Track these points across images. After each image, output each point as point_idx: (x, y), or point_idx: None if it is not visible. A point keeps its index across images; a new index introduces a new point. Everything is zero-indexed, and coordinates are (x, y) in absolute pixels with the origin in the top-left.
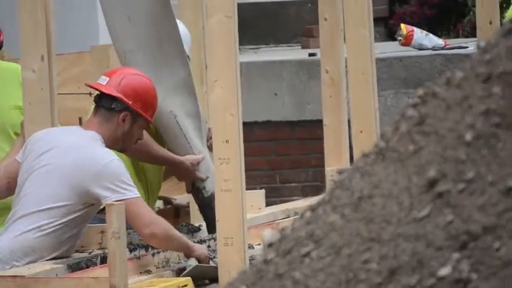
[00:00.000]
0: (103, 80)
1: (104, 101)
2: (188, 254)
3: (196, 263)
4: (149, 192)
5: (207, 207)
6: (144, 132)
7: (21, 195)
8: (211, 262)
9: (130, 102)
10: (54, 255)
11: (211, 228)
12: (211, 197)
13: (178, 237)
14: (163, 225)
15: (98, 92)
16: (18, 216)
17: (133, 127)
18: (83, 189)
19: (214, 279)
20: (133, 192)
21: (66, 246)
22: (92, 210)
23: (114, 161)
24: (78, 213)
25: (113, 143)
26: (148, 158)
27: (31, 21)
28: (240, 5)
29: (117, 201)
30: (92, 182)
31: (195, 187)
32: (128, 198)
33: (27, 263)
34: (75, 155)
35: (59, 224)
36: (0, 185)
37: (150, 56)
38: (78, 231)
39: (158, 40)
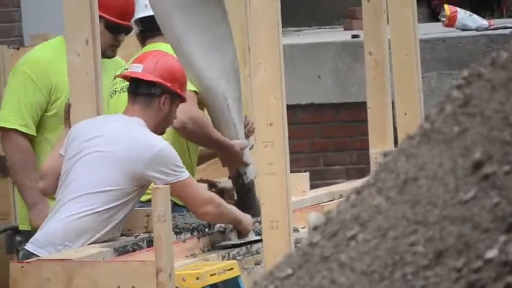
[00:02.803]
0: (137, 68)
1: (141, 88)
2: (235, 225)
3: (236, 240)
4: (193, 173)
5: (245, 193)
6: (203, 114)
7: (69, 180)
8: (250, 235)
9: (169, 85)
10: (105, 237)
11: (252, 213)
12: (250, 184)
13: (229, 212)
14: (216, 203)
15: (129, 81)
16: (69, 198)
17: (172, 108)
18: (136, 174)
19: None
20: (186, 173)
21: (117, 229)
22: (142, 192)
23: (166, 146)
24: (130, 196)
25: (156, 128)
26: (207, 141)
27: (76, 5)
28: None
29: (172, 183)
30: (146, 168)
31: (237, 172)
32: (181, 180)
33: (80, 245)
34: (126, 141)
35: (113, 207)
36: (50, 183)
37: (202, 40)
38: (128, 214)
39: (208, 23)
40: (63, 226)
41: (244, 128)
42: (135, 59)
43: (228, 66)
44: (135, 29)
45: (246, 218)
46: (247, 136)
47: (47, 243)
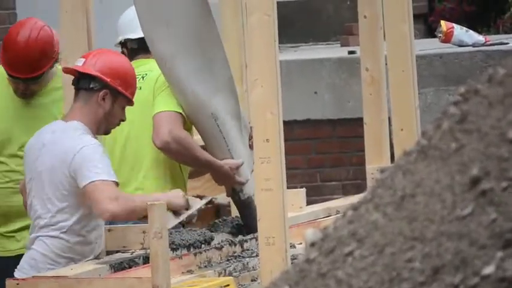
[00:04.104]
0: (79, 62)
1: (82, 82)
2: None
3: (174, 220)
4: (186, 188)
5: (244, 209)
6: (189, 134)
7: (33, 204)
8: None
9: (108, 80)
10: (88, 250)
11: (249, 230)
12: (249, 200)
13: (140, 204)
14: (123, 205)
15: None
16: (39, 224)
17: (114, 106)
18: (69, 181)
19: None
20: (100, 175)
21: (94, 238)
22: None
23: (86, 148)
24: (83, 209)
25: (96, 126)
26: (192, 161)
27: (72, 22)
28: (279, 3)
29: (84, 185)
30: (69, 171)
31: (233, 189)
32: (90, 182)
33: (63, 265)
34: (54, 152)
35: (76, 220)
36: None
37: (191, 60)
38: (94, 218)
39: (198, 42)
40: (41, 249)
41: (250, 140)
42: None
43: (221, 84)
44: (129, 45)
45: (175, 196)
46: (252, 148)
47: (31, 268)
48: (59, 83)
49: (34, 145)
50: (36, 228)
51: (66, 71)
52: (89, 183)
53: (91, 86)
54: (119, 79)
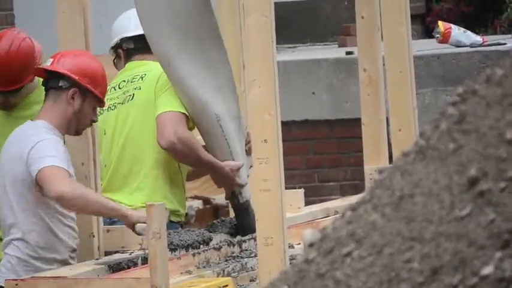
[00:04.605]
0: (48, 62)
1: (51, 82)
2: (127, 222)
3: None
4: (184, 189)
5: (242, 213)
6: (193, 135)
7: (1, 208)
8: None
9: (77, 78)
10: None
11: (243, 233)
12: (246, 204)
13: (93, 197)
14: (74, 187)
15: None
16: (7, 227)
17: (84, 105)
18: (28, 177)
19: None
20: (50, 159)
21: (64, 239)
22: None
23: (41, 143)
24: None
25: (66, 125)
26: (196, 162)
27: (69, 23)
28: (276, 4)
29: (37, 172)
30: (26, 166)
31: (232, 192)
32: (43, 167)
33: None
34: (8, 155)
35: (41, 220)
36: None
37: (194, 60)
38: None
39: (200, 43)
40: (16, 253)
41: (246, 145)
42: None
43: (222, 84)
44: (125, 45)
45: (138, 213)
46: (248, 153)
47: (8, 272)
48: (41, 97)
49: (4, 146)
50: (5, 232)
51: (35, 72)
52: (42, 168)
53: (60, 84)
54: (88, 77)
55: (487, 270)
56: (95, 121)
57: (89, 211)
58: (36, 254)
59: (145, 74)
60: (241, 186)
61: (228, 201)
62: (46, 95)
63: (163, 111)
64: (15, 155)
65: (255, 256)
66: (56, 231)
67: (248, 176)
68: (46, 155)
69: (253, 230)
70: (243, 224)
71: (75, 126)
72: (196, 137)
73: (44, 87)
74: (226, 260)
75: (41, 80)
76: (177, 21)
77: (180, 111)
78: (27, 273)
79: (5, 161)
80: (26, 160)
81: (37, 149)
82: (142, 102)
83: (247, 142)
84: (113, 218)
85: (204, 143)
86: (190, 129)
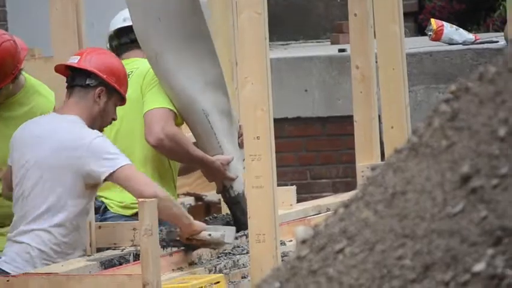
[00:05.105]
0: (74, 59)
1: (78, 79)
2: (187, 229)
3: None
4: (175, 187)
5: (234, 206)
6: (181, 131)
7: (24, 195)
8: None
9: (104, 76)
10: (78, 248)
11: (239, 226)
12: (238, 197)
13: (179, 205)
14: (157, 186)
15: (67, 76)
16: (32, 216)
17: (109, 104)
18: (77, 173)
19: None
20: (122, 159)
21: (83, 237)
22: (94, 192)
23: (99, 138)
24: (85, 198)
25: (90, 123)
26: (185, 158)
27: (62, 20)
28: (269, 1)
29: (112, 172)
30: (82, 163)
31: (223, 186)
32: (119, 167)
33: (59, 261)
34: (58, 142)
35: (74, 215)
36: (5, 194)
37: (181, 56)
38: (85, 218)
39: (188, 39)
40: (38, 245)
41: (239, 138)
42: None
43: (210, 80)
44: (112, 42)
45: (195, 222)
46: (241, 146)
47: (26, 263)
48: (27, 99)
49: (23, 137)
50: (27, 219)
51: (57, 68)
52: (118, 168)
53: (87, 82)
54: (114, 76)
55: (479, 267)
56: (115, 119)
57: (169, 213)
58: (59, 249)
59: (131, 72)
60: (232, 179)
61: (221, 195)
62: (70, 92)
63: (150, 109)
64: (60, 147)
65: (247, 253)
66: (80, 229)
67: (244, 168)
68: (113, 152)
69: (246, 224)
70: (236, 218)
71: (99, 124)
72: (186, 134)
73: (67, 84)
74: (218, 257)
75: (30, 80)
76: (165, 18)
77: (167, 108)
78: (43, 266)
79: (43, 149)
80: (83, 157)
81: (97, 146)
82: (130, 99)
83: (240, 135)
84: (182, 224)
85: (194, 140)
86: (179, 124)
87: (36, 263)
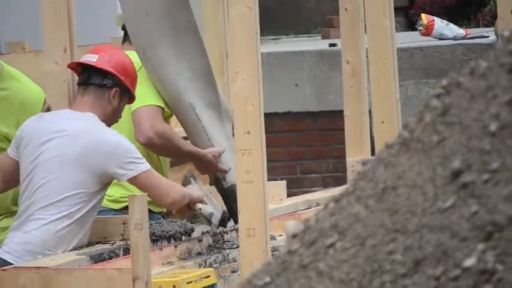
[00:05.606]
0: (92, 58)
1: (94, 78)
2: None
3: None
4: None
5: (227, 197)
6: (170, 127)
7: (34, 186)
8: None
9: (122, 78)
10: (80, 243)
11: (235, 217)
12: (231, 188)
13: (189, 193)
14: (178, 188)
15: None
16: (39, 206)
17: (120, 104)
18: (99, 171)
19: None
20: (146, 164)
21: (88, 233)
22: (104, 190)
23: (122, 139)
24: (96, 196)
25: (105, 122)
26: (176, 153)
27: (53, 14)
28: None
29: (134, 176)
30: (107, 163)
31: (216, 178)
32: (143, 171)
33: (60, 252)
34: (84, 140)
35: (84, 210)
36: None
37: (169, 49)
38: (94, 216)
39: (175, 32)
40: (42, 235)
41: (233, 128)
42: (89, 50)
43: (197, 74)
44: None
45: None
46: None
47: (25, 253)
48: (5, 84)
49: (36, 130)
50: (33, 209)
51: (72, 65)
52: (142, 172)
53: (104, 82)
54: (129, 77)
55: (470, 262)
56: (120, 117)
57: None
58: (62, 241)
59: None
60: (225, 172)
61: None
62: (84, 89)
63: (137, 107)
64: (89, 143)
65: (237, 247)
66: (86, 225)
67: None
68: (136, 157)
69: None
70: (231, 209)
71: (109, 123)
72: (177, 129)
73: (81, 81)
74: (208, 251)
75: (6, 68)
76: (154, 11)
77: (154, 105)
78: (44, 257)
79: (68, 143)
80: (108, 157)
81: (122, 149)
82: None
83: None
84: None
85: (185, 135)
86: (168, 117)
87: (37, 253)
